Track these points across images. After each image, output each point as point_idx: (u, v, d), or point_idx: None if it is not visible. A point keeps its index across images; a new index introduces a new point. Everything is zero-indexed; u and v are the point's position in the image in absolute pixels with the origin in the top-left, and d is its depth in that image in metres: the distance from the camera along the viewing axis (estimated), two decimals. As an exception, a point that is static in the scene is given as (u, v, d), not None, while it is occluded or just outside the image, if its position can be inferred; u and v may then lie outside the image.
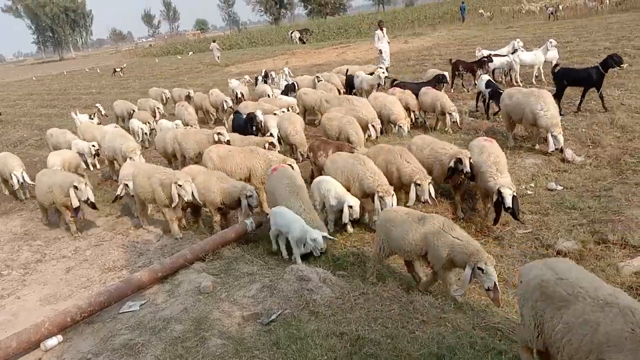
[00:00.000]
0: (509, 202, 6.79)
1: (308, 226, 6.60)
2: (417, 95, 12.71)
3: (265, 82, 18.57)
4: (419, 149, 8.34)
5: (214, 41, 45.09)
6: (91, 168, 13.25)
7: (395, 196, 7.19)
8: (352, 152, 8.64)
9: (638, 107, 11.36)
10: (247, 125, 11.77)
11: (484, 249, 5.20)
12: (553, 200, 7.84)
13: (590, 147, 9.80)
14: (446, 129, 11.91)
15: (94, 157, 13.13)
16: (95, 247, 8.45)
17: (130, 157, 10.34)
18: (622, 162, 8.85)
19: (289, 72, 19.33)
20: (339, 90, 15.67)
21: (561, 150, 9.34)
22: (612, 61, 11.17)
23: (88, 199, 8.61)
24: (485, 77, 12.88)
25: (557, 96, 11.60)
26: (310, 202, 7.51)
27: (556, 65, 12.58)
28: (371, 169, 7.54)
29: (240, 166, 9.00)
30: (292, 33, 52.46)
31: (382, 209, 6.95)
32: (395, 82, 14.41)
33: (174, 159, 11.56)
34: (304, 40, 50.28)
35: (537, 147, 10.05)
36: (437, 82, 13.62)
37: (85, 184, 8.68)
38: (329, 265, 6.58)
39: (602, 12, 36.27)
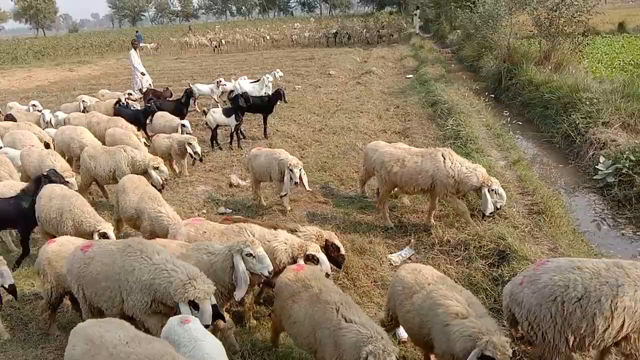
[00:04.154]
0: None
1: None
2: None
3: None
4: None
5: None
6: None
7: None
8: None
9: (288, 133, 13.15)
10: None
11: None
12: (224, 224, 8.19)
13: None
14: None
15: None
16: None
17: None
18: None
19: None
20: None
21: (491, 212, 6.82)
22: (281, 93, 13.13)
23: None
24: (218, 110, 12.35)
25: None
26: None
27: (231, 91, 15.24)
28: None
29: None
30: None
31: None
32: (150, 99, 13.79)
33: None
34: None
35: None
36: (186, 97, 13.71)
37: None
38: None
39: (259, 48, 40.88)
